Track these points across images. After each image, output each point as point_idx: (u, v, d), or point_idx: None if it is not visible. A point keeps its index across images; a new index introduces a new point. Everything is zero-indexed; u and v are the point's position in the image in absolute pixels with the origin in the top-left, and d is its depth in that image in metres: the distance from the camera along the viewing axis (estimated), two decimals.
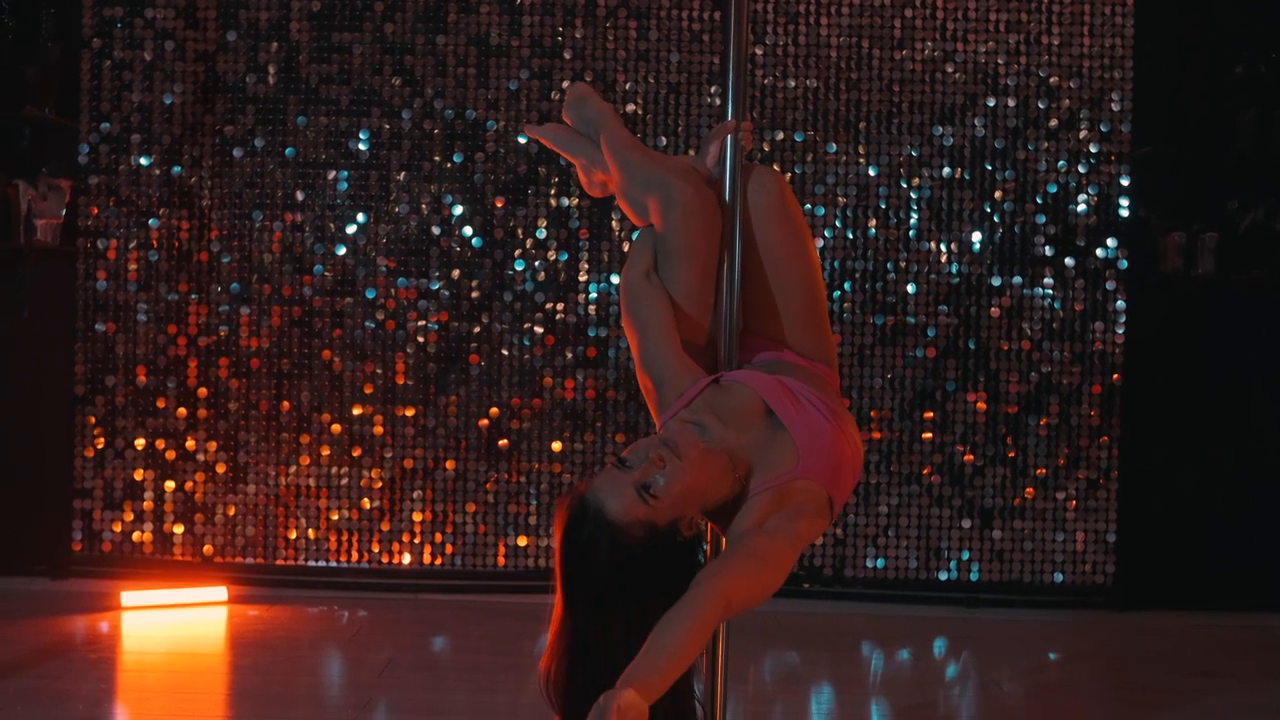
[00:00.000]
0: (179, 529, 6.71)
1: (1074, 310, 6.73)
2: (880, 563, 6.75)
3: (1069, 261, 6.73)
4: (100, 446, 6.71)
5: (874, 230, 6.75)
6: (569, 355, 6.74)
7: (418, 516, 6.72)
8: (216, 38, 6.69)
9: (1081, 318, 6.73)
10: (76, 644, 5.73)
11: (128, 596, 6.30)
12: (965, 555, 6.74)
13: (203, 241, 6.73)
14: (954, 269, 6.74)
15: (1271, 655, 6.14)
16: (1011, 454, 6.75)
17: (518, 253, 6.75)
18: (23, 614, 6.10)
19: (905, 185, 6.75)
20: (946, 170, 6.75)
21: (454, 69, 6.74)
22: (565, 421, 6.75)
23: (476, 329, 6.74)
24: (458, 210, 6.75)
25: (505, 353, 6.74)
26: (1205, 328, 6.84)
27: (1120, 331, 6.72)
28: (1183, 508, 6.79)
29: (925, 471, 6.75)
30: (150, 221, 6.70)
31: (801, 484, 3.23)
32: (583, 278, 6.74)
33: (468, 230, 6.75)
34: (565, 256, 6.74)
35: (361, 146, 6.74)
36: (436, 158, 6.74)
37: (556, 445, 6.73)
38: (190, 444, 6.72)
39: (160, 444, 6.72)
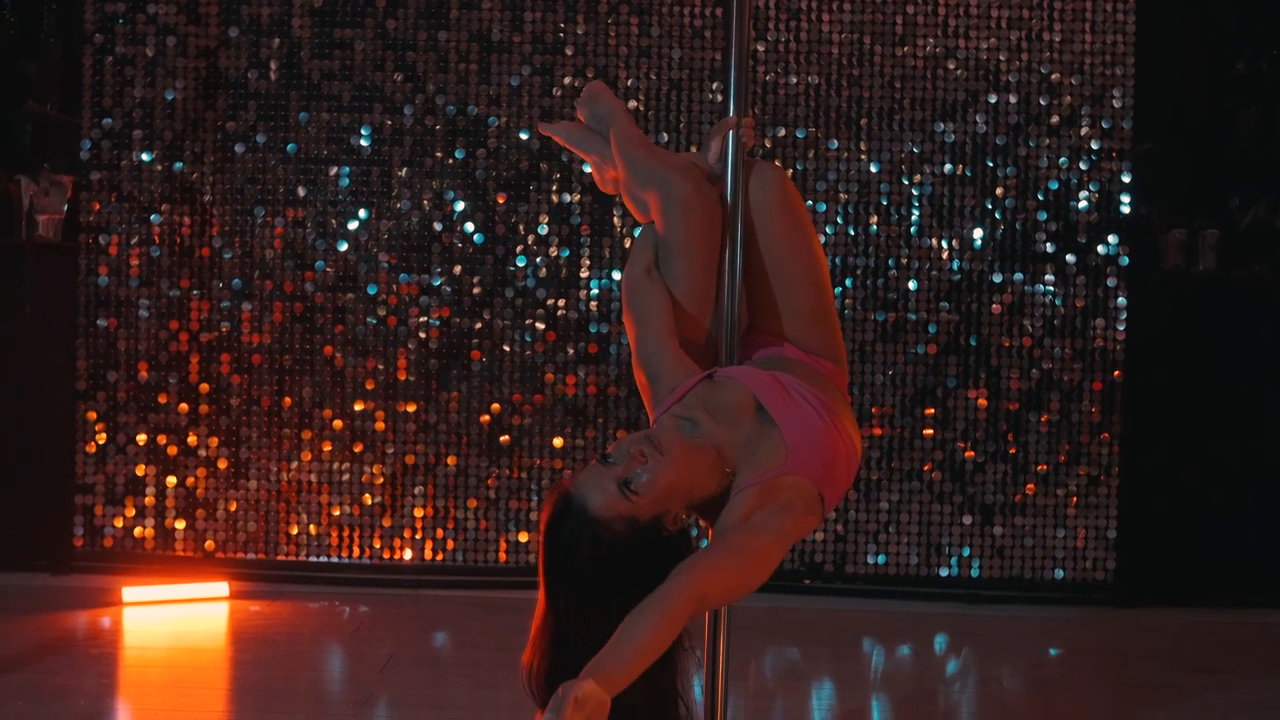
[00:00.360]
0: (180, 524, 6.71)
1: (1075, 307, 6.73)
2: (881, 559, 6.75)
3: (1070, 258, 6.73)
4: (102, 442, 6.71)
5: (875, 227, 6.75)
6: (570, 351, 6.74)
7: (419, 512, 6.73)
8: (218, 33, 6.69)
9: (1082, 314, 6.73)
10: (78, 639, 5.74)
11: (129, 592, 6.30)
12: (966, 551, 6.74)
13: (204, 237, 6.73)
14: (955, 265, 6.74)
15: (1272, 652, 6.15)
16: (1012, 450, 6.75)
17: (519, 249, 6.75)
18: (24, 609, 6.11)
19: (906, 182, 6.75)
20: (948, 167, 6.75)
21: (456, 65, 6.74)
22: (567, 417, 6.75)
23: (478, 325, 6.75)
24: (459, 206, 6.75)
25: (507, 349, 6.74)
26: (1206, 324, 6.84)
27: (1121, 328, 6.72)
28: (1183, 504, 6.80)
29: (926, 468, 6.75)
30: (152, 217, 6.70)
31: (790, 479, 3.23)
32: (584, 274, 6.74)
33: (469, 226, 6.75)
34: (567, 253, 6.74)
35: (363, 142, 6.74)
36: (438, 154, 6.74)
37: (558, 441, 6.73)
38: (192, 439, 6.73)
39: (162, 439, 6.72)
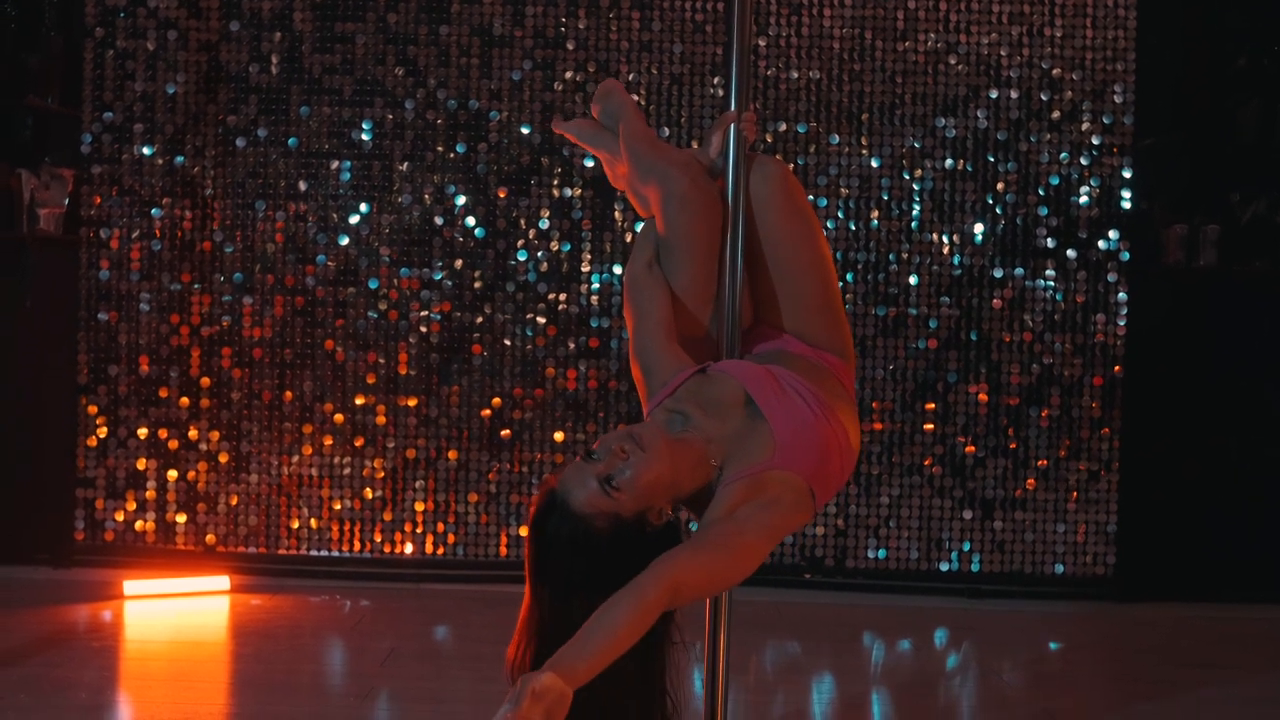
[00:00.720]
0: (181, 518, 6.72)
1: (1075, 302, 6.73)
2: (881, 553, 6.76)
3: (1071, 253, 6.73)
4: (103, 436, 6.71)
5: (876, 222, 6.75)
6: (571, 346, 6.74)
7: (420, 506, 6.73)
8: (219, 27, 6.69)
9: (1083, 309, 6.73)
10: (79, 633, 5.74)
11: (130, 585, 6.31)
12: (966, 546, 6.75)
13: (205, 231, 6.73)
14: (956, 260, 6.74)
15: (1273, 646, 6.15)
16: (1013, 445, 6.75)
17: (520, 243, 6.75)
18: (25, 603, 6.11)
19: (907, 177, 6.75)
20: (949, 162, 6.75)
21: (457, 59, 6.74)
22: (567, 412, 6.75)
23: (479, 319, 6.75)
24: (460, 200, 6.75)
25: (508, 343, 6.74)
26: (1206, 320, 6.85)
27: (1122, 323, 6.72)
28: (1184, 499, 6.80)
29: (927, 462, 6.76)
30: (153, 211, 6.70)
31: (777, 474, 3.23)
32: (585, 268, 6.75)
33: (470, 220, 6.75)
34: (568, 247, 6.75)
35: (364, 136, 6.74)
36: (439, 148, 6.74)
37: (559, 435, 6.73)
38: (193, 433, 6.73)
39: (163, 433, 6.72)
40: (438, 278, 6.74)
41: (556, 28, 6.74)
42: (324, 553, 6.75)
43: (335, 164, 6.74)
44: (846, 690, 5.22)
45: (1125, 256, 6.73)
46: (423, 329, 6.75)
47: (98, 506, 6.71)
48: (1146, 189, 6.83)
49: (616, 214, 6.74)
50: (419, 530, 6.74)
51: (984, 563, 6.75)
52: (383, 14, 6.71)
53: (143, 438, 6.71)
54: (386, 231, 6.75)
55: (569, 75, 6.73)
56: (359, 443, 6.74)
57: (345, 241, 6.74)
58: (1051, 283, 6.74)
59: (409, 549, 6.74)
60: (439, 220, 6.74)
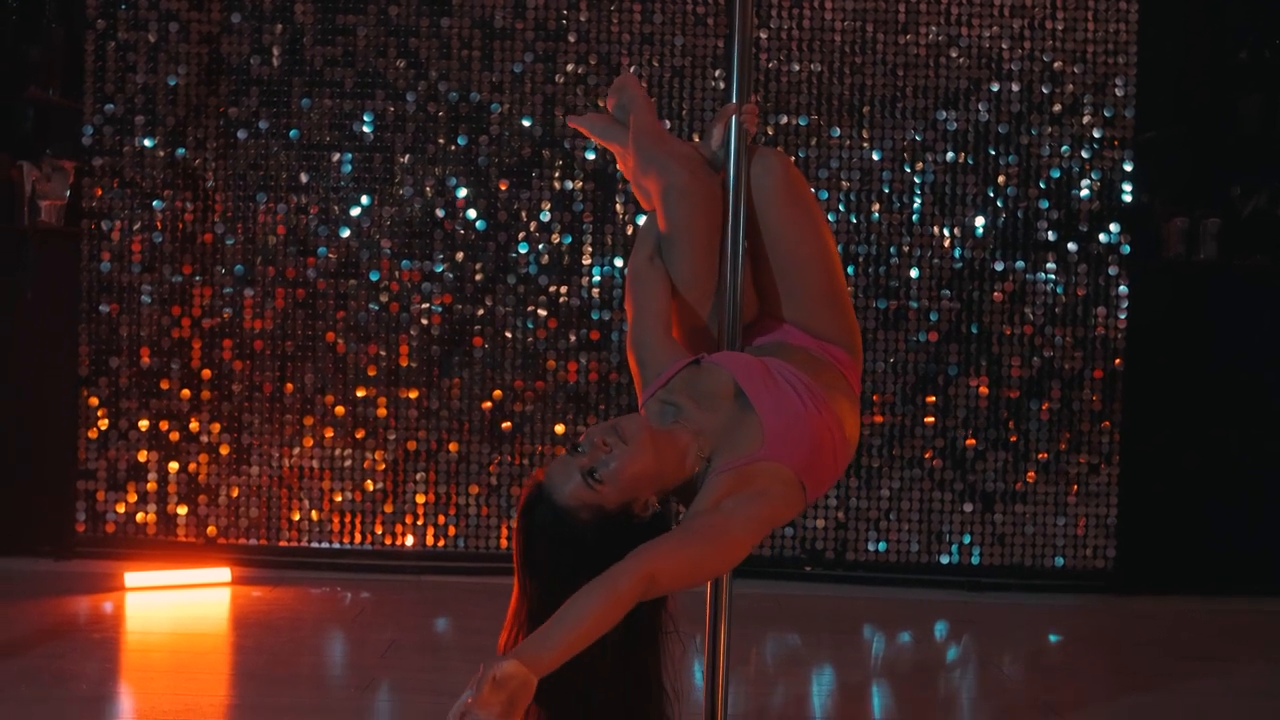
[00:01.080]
0: (182, 510, 6.72)
1: (1076, 295, 6.74)
2: (882, 546, 6.76)
3: (1072, 246, 6.73)
4: (104, 428, 6.72)
5: (877, 214, 6.75)
6: (572, 338, 6.75)
7: (421, 498, 6.74)
8: (221, 19, 6.69)
9: (1084, 303, 6.74)
10: (80, 624, 5.75)
11: (131, 577, 6.31)
12: (966, 539, 6.75)
13: (207, 223, 6.74)
14: (957, 254, 6.75)
15: (1272, 639, 6.16)
16: (1013, 438, 6.76)
17: (521, 235, 6.75)
18: (26, 594, 6.12)
19: (909, 170, 6.75)
20: (950, 155, 6.75)
21: (458, 52, 6.74)
22: (568, 404, 6.76)
23: (480, 311, 6.75)
24: (462, 193, 6.75)
25: (509, 335, 6.75)
26: (1207, 313, 6.85)
27: (1122, 317, 6.72)
28: (1184, 492, 6.80)
29: (927, 455, 6.76)
30: (154, 203, 6.71)
31: (765, 466, 3.24)
32: (586, 261, 6.75)
33: (471, 213, 6.75)
34: (569, 240, 6.75)
35: (366, 129, 6.74)
36: (441, 140, 6.74)
37: (559, 428, 6.74)
38: (194, 425, 6.74)
39: (164, 425, 6.73)
40: (439, 270, 6.74)
41: (558, 20, 6.74)
42: (325, 545, 6.75)
43: (336, 156, 6.74)
44: (847, 682, 5.22)
45: (1126, 250, 6.73)
46: (424, 321, 6.75)
47: (99, 498, 6.71)
48: (1147, 182, 6.83)
49: (618, 207, 6.74)
50: (420, 522, 6.74)
51: (984, 556, 6.75)
52: (384, 6, 6.71)
53: (144, 430, 6.72)
54: (388, 224, 6.75)
55: (570, 68, 6.73)
56: (360, 435, 6.75)
57: (346, 234, 6.74)
58: (1052, 276, 6.74)
59: (410, 541, 6.75)
60: (440, 213, 6.75)
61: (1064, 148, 6.74)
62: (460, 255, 6.74)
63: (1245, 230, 6.89)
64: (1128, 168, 6.73)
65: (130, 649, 5.52)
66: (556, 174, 6.75)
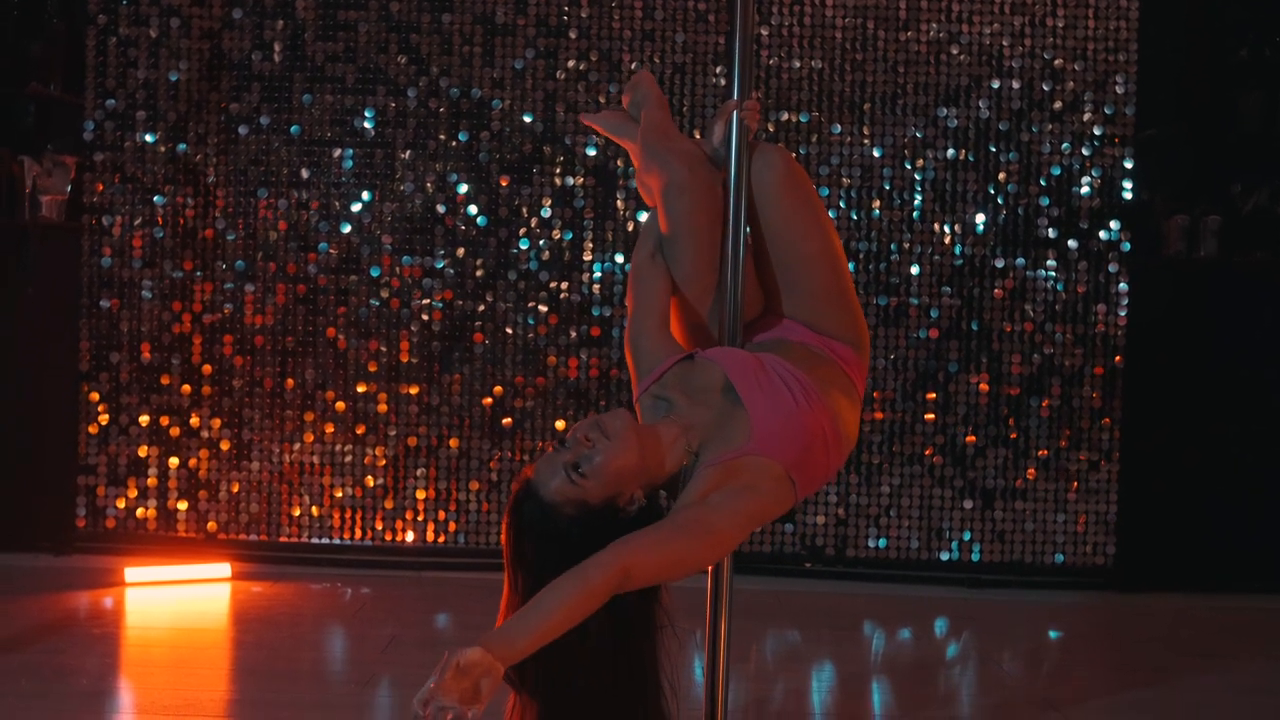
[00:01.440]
0: (183, 505, 6.72)
1: (1077, 292, 6.74)
2: (882, 543, 6.76)
3: (1072, 244, 6.74)
4: (104, 423, 6.72)
5: (878, 211, 6.75)
6: (573, 334, 6.75)
7: (421, 494, 6.74)
8: (222, 15, 6.69)
9: (1084, 300, 6.74)
10: (80, 619, 5.76)
11: (131, 573, 6.32)
12: (967, 536, 6.75)
13: (208, 219, 6.74)
14: (957, 250, 6.75)
15: (1271, 636, 6.16)
16: (1013, 435, 6.76)
17: (522, 231, 6.76)
18: (26, 590, 6.12)
19: (909, 167, 6.76)
20: (950, 152, 6.75)
21: (459, 48, 6.74)
22: (569, 400, 6.76)
23: (481, 307, 6.75)
24: (462, 189, 6.75)
25: (509, 331, 6.75)
26: (1207, 310, 6.85)
27: (1123, 314, 6.72)
28: (1184, 489, 6.80)
29: (927, 452, 6.76)
30: (155, 198, 6.71)
31: (751, 461, 3.25)
32: (587, 257, 6.75)
33: (472, 209, 6.75)
34: (570, 235, 6.75)
35: (367, 125, 6.74)
36: (442, 136, 6.75)
37: (560, 424, 6.73)
38: (194, 421, 6.74)
39: (164, 421, 6.73)
40: (439, 266, 6.74)
41: (559, 16, 6.74)
42: (325, 540, 6.75)
43: (337, 152, 6.74)
44: (847, 679, 5.23)
45: (1126, 247, 6.73)
46: (424, 317, 6.75)
47: (99, 493, 6.72)
48: (1148, 180, 6.83)
49: (618, 203, 6.74)
50: (420, 518, 6.75)
51: (984, 552, 6.76)
52: (385, 2, 6.71)
53: (144, 425, 6.72)
54: (388, 219, 6.75)
55: (571, 64, 6.73)
56: (360, 430, 6.75)
57: (347, 229, 6.74)
58: (1053, 273, 6.74)
59: (410, 537, 6.75)
60: (441, 208, 6.75)
61: (1064, 145, 6.74)
62: (461, 251, 6.75)
63: (1246, 227, 6.90)
64: (1128, 165, 6.73)
65: (130, 644, 5.52)
66: (557, 170, 6.75)
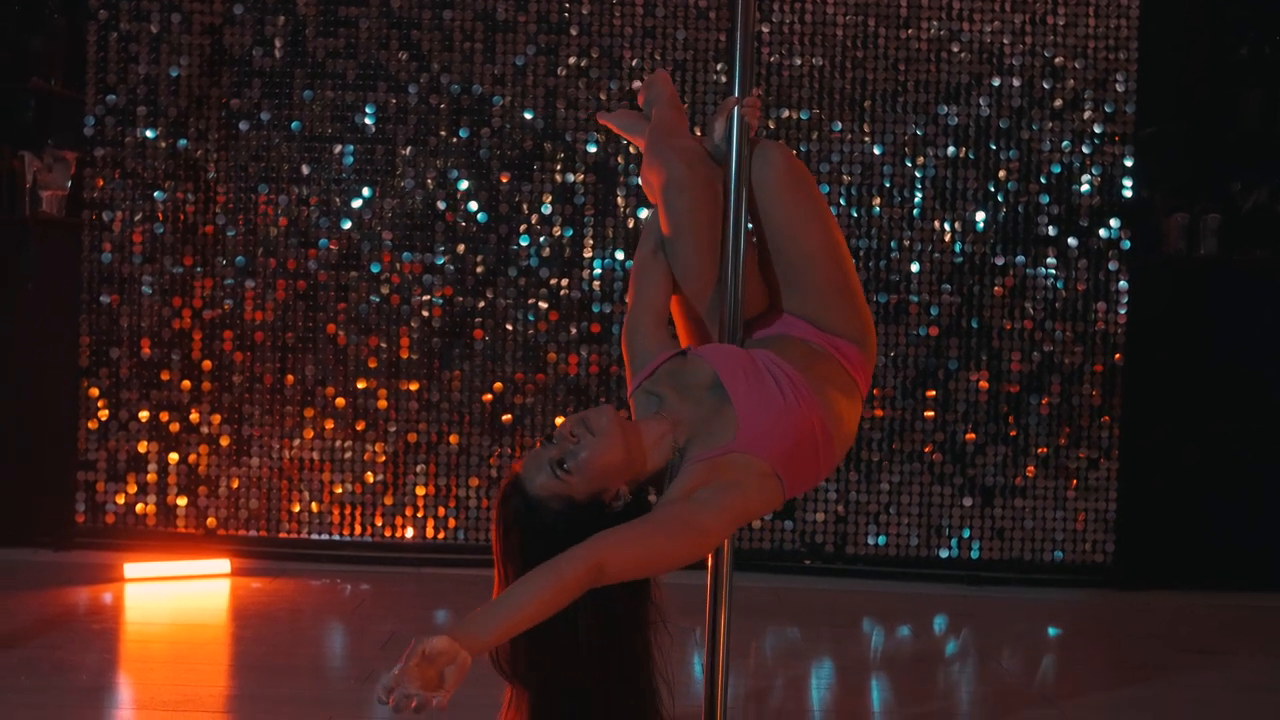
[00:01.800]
0: (182, 501, 6.72)
1: (1076, 290, 6.74)
2: (882, 540, 6.77)
3: (1072, 241, 6.74)
4: (104, 418, 6.72)
5: (878, 209, 6.75)
6: (573, 331, 6.75)
7: (421, 490, 6.74)
8: (223, 10, 6.69)
9: (1084, 297, 6.74)
10: (79, 615, 5.75)
11: (131, 568, 6.32)
12: (966, 533, 6.76)
13: (208, 214, 6.74)
14: (957, 248, 6.75)
15: (1270, 634, 6.16)
16: (1013, 433, 6.76)
17: (523, 228, 6.76)
18: (26, 585, 6.12)
19: (910, 164, 6.76)
20: (951, 149, 6.75)
21: (460, 44, 6.74)
22: (569, 397, 6.76)
23: (481, 304, 6.75)
24: (463, 185, 6.75)
25: (509, 328, 6.75)
26: (1207, 308, 6.85)
27: (1122, 312, 6.73)
28: (1183, 487, 6.81)
29: (927, 449, 6.77)
30: (156, 194, 6.71)
31: (737, 458, 3.26)
32: (587, 253, 6.75)
33: (473, 205, 6.75)
34: (570, 232, 6.75)
35: (368, 121, 6.75)
36: (442, 132, 6.75)
37: (560, 420, 6.73)
38: (194, 416, 6.74)
39: (164, 416, 6.73)
40: (440, 262, 6.74)
41: (560, 13, 6.74)
42: (325, 536, 6.76)
43: (338, 148, 6.74)
44: (846, 675, 5.23)
45: (1126, 245, 6.74)
46: (425, 313, 6.75)
47: (98, 489, 6.72)
48: (1148, 178, 6.84)
49: (619, 200, 6.75)
50: (420, 514, 6.75)
51: (984, 550, 6.76)
52: None
53: (144, 420, 6.72)
54: (389, 216, 6.75)
55: (572, 61, 6.73)
56: (360, 427, 6.75)
57: (348, 225, 6.74)
58: (1052, 271, 6.75)
59: (410, 533, 6.75)
60: (441, 205, 6.75)
61: (1065, 143, 6.74)
62: (461, 247, 6.75)
63: (1245, 225, 6.90)
64: (1128, 163, 6.73)
65: (129, 640, 5.52)
66: (558, 167, 6.75)
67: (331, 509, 6.75)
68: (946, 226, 6.75)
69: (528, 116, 6.75)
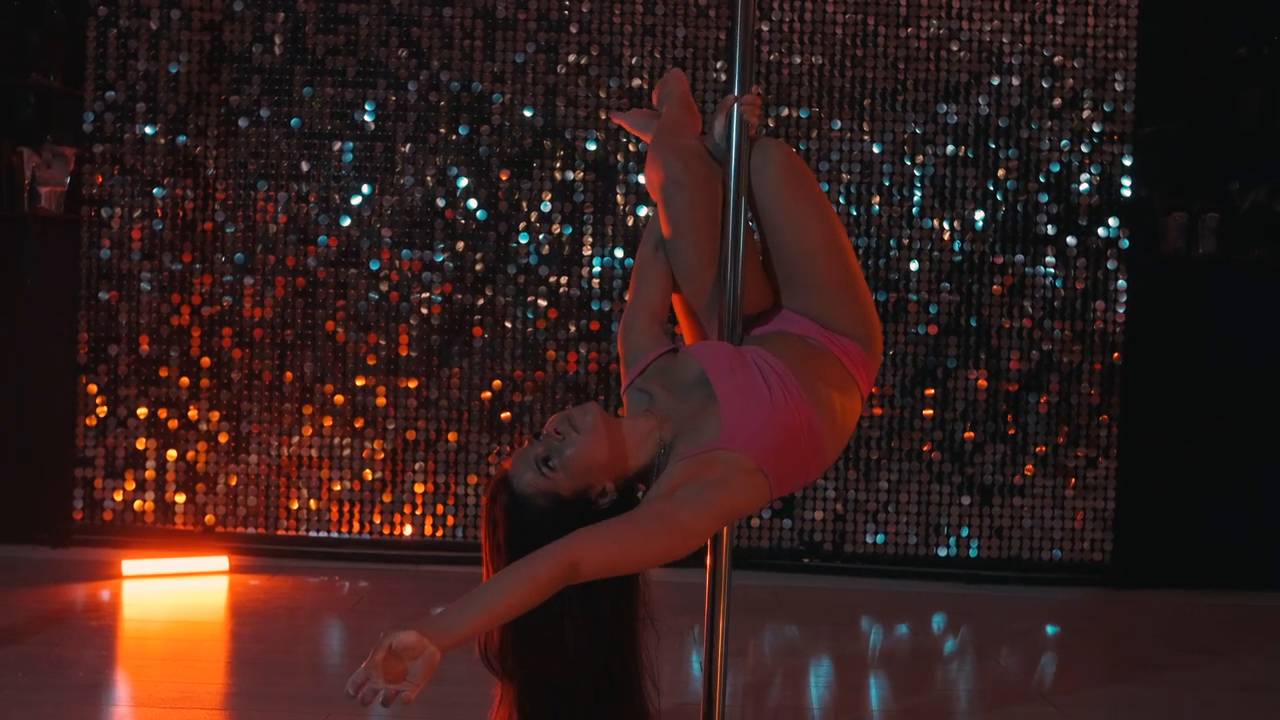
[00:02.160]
0: (180, 498, 6.72)
1: (1075, 289, 6.74)
2: (880, 538, 6.77)
3: (1071, 240, 6.74)
4: (102, 415, 6.72)
5: (877, 207, 6.76)
6: (572, 328, 6.75)
7: (419, 488, 6.74)
8: (223, 7, 6.69)
9: (1083, 296, 6.74)
10: (77, 612, 5.75)
11: (129, 565, 6.31)
12: (965, 532, 6.76)
13: (207, 211, 6.74)
14: (956, 247, 6.75)
15: (1268, 633, 6.16)
16: (1011, 431, 6.77)
17: (522, 226, 6.76)
18: (24, 582, 6.12)
19: (909, 163, 6.76)
20: (950, 148, 6.75)
21: (460, 41, 6.74)
22: (568, 394, 6.76)
23: (480, 301, 6.75)
24: (463, 182, 6.75)
25: (508, 325, 6.75)
26: (1205, 307, 6.86)
27: (1121, 310, 6.73)
28: (1182, 485, 6.81)
29: (926, 448, 6.77)
30: (155, 191, 6.71)
31: (721, 455, 3.27)
32: (587, 251, 6.75)
33: (472, 203, 6.75)
34: (569, 230, 6.75)
35: (367, 118, 6.74)
36: (442, 130, 6.74)
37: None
38: (193, 413, 6.74)
39: (163, 413, 6.73)
40: (439, 260, 6.74)
41: (560, 10, 6.74)
42: (323, 534, 6.76)
43: (338, 145, 6.74)
44: (844, 674, 5.23)
45: (1125, 244, 6.74)
46: (424, 311, 6.75)
47: (96, 486, 6.72)
48: (1146, 177, 6.84)
49: (618, 198, 6.75)
50: (418, 512, 6.75)
51: (982, 548, 6.76)
52: None
53: (142, 417, 6.72)
54: (388, 213, 6.75)
55: (572, 58, 6.73)
56: (359, 424, 6.75)
57: (347, 223, 6.74)
58: (1051, 269, 6.75)
59: (408, 531, 6.75)
60: (441, 202, 6.75)
61: (1064, 142, 6.74)
62: (461, 245, 6.75)
63: (1244, 225, 6.90)
64: (1127, 162, 6.74)
65: (127, 637, 5.51)
66: (557, 164, 6.75)
67: (330, 506, 6.75)
68: (945, 225, 6.76)
69: (527, 114, 6.75)
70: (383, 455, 6.75)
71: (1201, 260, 6.84)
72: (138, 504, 6.71)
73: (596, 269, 6.75)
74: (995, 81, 6.74)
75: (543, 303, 6.75)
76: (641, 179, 6.63)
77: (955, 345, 6.75)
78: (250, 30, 6.72)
